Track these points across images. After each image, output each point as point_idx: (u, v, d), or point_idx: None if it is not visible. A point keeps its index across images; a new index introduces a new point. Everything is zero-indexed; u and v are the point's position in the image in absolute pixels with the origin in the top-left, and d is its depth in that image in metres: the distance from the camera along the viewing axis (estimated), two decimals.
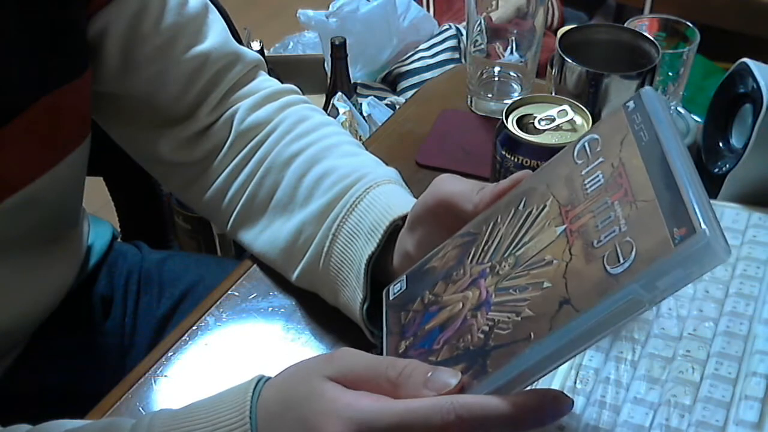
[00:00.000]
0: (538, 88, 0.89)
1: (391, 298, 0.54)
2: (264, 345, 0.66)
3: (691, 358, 0.55)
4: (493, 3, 0.85)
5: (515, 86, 0.90)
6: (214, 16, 0.73)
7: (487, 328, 0.45)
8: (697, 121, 0.84)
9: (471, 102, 0.92)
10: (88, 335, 0.81)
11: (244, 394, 0.47)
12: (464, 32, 1.54)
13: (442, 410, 0.42)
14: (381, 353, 0.51)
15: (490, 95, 0.90)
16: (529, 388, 0.44)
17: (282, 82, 0.76)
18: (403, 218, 0.60)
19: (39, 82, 0.62)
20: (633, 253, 0.40)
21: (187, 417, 0.47)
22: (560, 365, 0.43)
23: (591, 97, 0.74)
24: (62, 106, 0.64)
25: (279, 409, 0.46)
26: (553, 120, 0.64)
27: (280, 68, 1.49)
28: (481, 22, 0.86)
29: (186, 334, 0.66)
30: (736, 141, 0.73)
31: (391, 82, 1.65)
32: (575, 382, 0.54)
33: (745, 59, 0.72)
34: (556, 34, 0.78)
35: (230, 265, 0.82)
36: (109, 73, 0.68)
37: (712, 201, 0.40)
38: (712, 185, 0.71)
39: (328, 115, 0.76)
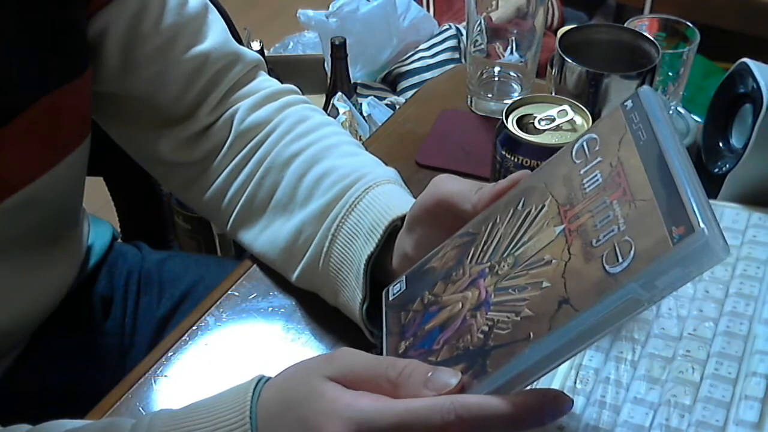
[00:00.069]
0: (538, 88, 0.89)
1: (390, 298, 0.54)
2: (264, 345, 0.66)
3: (691, 358, 0.55)
4: (493, 3, 0.85)
5: (515, 86, 0.90)
6: (214, 16, 0.73)
7: (486, 328, 0.45)
8: (697, 121, 0.84)
9: (471, 102, 0.92)
10: (88, 335, 0.81)
11: (244, 394, 0.47)
12: (464, 32, 1.54)
13: (442, 410, 0.42)
14: (381, 353, 0.51)
15: (490, 95, 0.90)
16: (528, 387, 0.44)
17: (282, 82, 0.76)
18: (403, 218, 0.60)
19: (39, 82, 0.62)
20: (632, 252, 0.40)
21: (187, 417, 0.47)
22: (560, 365, 0.43)
23: (591, 97, 0.74)
24: (62, 106, 0.64)
25: (279, 409, 0.46)
26: (553, 120, 0.64)
27: (280, 68, 1.49)
28: (481, 22, 0.86)
29: (186, 334, 0.66)
30: (736, 141, 0.73)
31: (391, 82, 1.65)
32: (575, 382, 0.54)
33: (745, 59, 0.72)
34: (556, 34, 0.78)
35: (230, 265, 0.82)
36: (109, 73, 0.68)
37: (711, 201, 0.40)
38: (712, 185, 0.71)
39: (328, 115, 0.76)
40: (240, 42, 0.77)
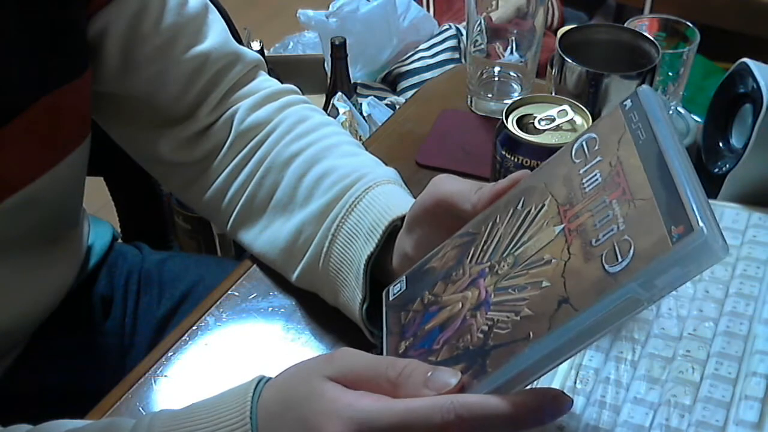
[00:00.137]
0: (538, 88, 0.89)
1: (390, 298, 0.54)
2: (264, 345, 0.66)
3: (691, 358, 0.55)
4: (493, 3, 0.85)
5: (515, 86, 0.90)
6: (214, 16, 0.73)
7: (486, 328, 0.45)
8: (697, 121, 0.84)
9: (471, 102, 0.92)
10: (88, 335, 0.81)
11: (245, 394, 0.47)
12: (464, 32, 1.54)
13: (442, 410, 0.42)
14: (381, 353, 0.51)
15: (490, 95, 0.90)
16: (528, 387, 0.44)
17: (282, 82, 0.76)
18: (403, 218, 0.60)
19: (39, 82, 0.62)
20: (631, 251, 0.40)
21: (187, 417, 0.47)
22: (560, 364, 0.43)
23: (591, 97, 0.74)
24: (62, 106, 0.64)
25: (279, 409, 0.46)
26: (553, 120, 0.64)
27: (280, 68, 1.49)
28: (481, 22, 0.86)
29: (186, 334, 0.66)
30: (736, 141, 0.73)
31: (391, 82, 1.65)
32: (575, 382, 0.54)
33: (745, 59, 0.72)
34: (556, 34, 0.78)
35: (230, 265, 0.82)
36: (109, 73, 0.68)
37: (711, 201, 0.40)
38: (712, 185, 0.71)
39: (328, 115, 0.76)
40: (240, 42, 0.77)
